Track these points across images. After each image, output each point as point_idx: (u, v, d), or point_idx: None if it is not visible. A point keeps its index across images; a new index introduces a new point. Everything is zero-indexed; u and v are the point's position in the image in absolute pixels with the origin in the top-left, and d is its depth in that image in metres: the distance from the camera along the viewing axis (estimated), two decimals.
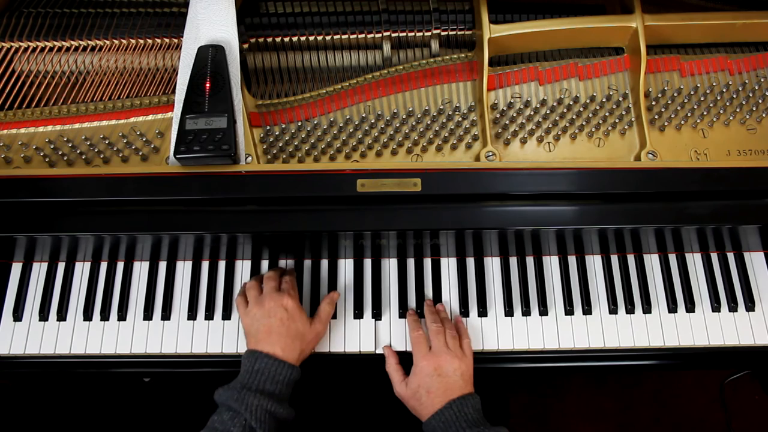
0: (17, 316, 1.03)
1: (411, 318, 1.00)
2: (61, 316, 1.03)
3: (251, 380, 0.86)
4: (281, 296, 0.92)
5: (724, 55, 1.08)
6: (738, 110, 1.04)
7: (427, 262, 1.07)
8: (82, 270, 1.06)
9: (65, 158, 0.99)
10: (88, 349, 1.01)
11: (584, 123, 1.03)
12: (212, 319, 1.03)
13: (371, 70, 1.10)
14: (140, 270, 1.06)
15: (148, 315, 1.03)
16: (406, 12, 1.08)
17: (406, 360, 0.98)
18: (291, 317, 0.91)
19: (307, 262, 1.06)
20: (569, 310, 1.03)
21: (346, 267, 1.06)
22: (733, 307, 1.03)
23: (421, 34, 1.08)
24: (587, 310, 1.02)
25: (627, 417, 1.70)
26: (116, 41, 1.06)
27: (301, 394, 0.97)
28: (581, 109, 1.04)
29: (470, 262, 1.06)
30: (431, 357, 0.92)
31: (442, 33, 1.08)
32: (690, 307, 1.03)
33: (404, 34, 1.07)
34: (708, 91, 1.05)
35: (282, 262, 1.07)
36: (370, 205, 0.95)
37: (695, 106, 1.04)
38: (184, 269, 1.06)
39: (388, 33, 1.07)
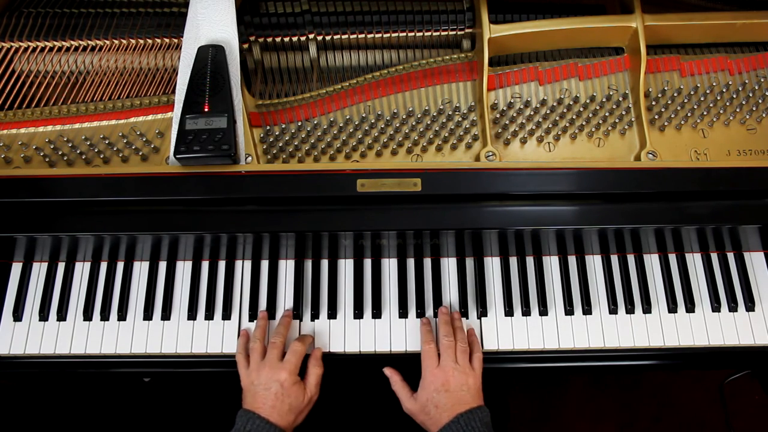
0: (17, 316, 1.03)
1: (425, 328, 0.99)
2: (61, 316, 1.03)
3: None
4: (280, 370, 0.92)
5: (724, 55, 1.08)
6: (738, 110, 1.04)
7: (427, 262, 1.07)
8: (82, 270, 1.06)
9: (65, 158, 0.99)
10: (88, 349, 1.01)
11: (584, 123, 1.03)
12: (212, 319, 1.03)
13: (371, 70, 1.10)
14: (140, 270, 1.06)
15: (148, 315, 1.03)
16: (406, 12, 1.07)
17: (407, 366, 0.98)
18: (286, 393, 0.91)
19: (308, 262, 1.06)
20: (569, 310, 1.03)
21: (346, 267, 1.06)
22: (733, 307, 1.03)
23: (421, 34, 1.08)
24: (587, 310, 1.02)
25: (627, 417, 1.71)
26: (116, 41, 1.06)
27: None
28: (581, 109, 1.04)
29: (470, 262, 1.06)
30: (439, 372, 0.91)
31: (443, 33, 1.08)
32: (690, 307, 1.03)
33: (404, 34, 1.07)
34: (708, 91, 1.05)
35: (282, 263, 1.06)
36: (370, 205, 0.95)
37: (695, 106, 1.04)
38: (184, 269, 1.06)
39: (388, 33, 1.07)
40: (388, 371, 0.98)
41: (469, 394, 0.90)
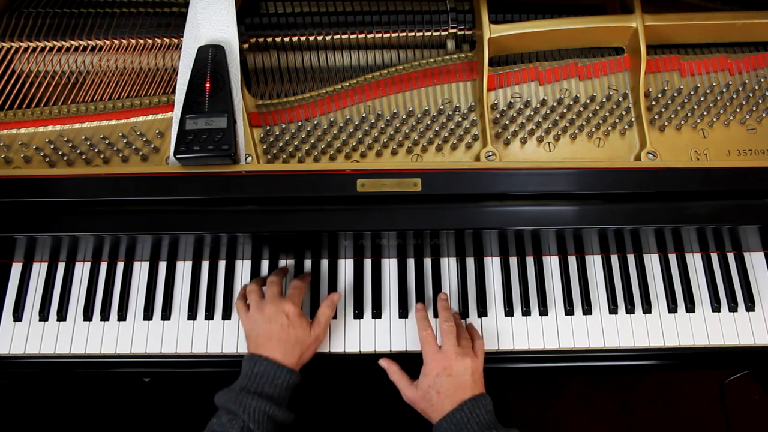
0: (17, 316, 1.03)
1: (420, 314, 0.98)
2: (61, 316, 1.03)
3: (250, 383, 0.86)
4: (283, 302, 0.92)
5: (724, 55, 1.08)
6: (738, 110, 1.04)
7: (427, 262, 1.07)
8: (82, 270, 1.06)
9: (65, 158, 0.99)
10: (88, 349, 1.01)
11: (584, 123, 1.03)
12: (212, 319, 1.03)
13: (371, 70, 1.10)
14: (140, 270, 1.06)
15: (148, 315, 1.03)
16: (406, 12, 1.08)
17: (408, 366, 0.97)
18: (291, 323, 0.91)
19: (307, 262, 1.06)
20: (569, 310, 1.03)
21: (346, 267, 1.06)
22: (733, 307, 1.03)
23: (421, 34, 1.08)
24: (587, 310, 1.02)
25: (627, 417, 1.71)
26: (116, 41, 1.06)
27: (301, 395, 0.97)
28: (581, 109, 1.04)
29: (470, 262, 1.06)
30: (441, 357, 0.90)
31: (442, 33, 1.08)
32: (690, 307, 1.03)
33: (404, 34, 1.07)
34: (708, 91, 1.05)
35: (282, 263, 1.07)
36: (370, 205, 0.95)
37: (695, 106, 1.04)
38: (184, 269, 1.06)
39: (388, 33, 1.07)
40: (384, 362, 0.97)
41: (472, 379, 0.89)
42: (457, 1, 1.09)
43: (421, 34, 1.08)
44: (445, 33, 1.08)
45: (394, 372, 0.96)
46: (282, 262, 1.07)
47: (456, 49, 1.09)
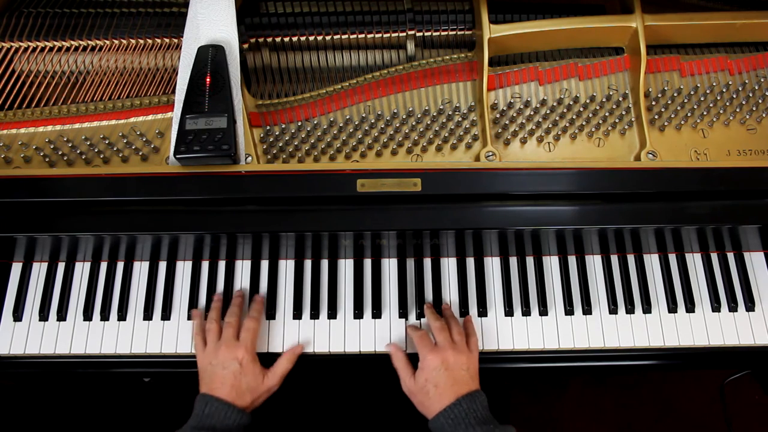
0: (17, 316, 1.03)
1: (410, 327, 1.00)
2: (61, 316, 1.03)
3: (201, 422, 0.86)
4: (237, 348, 0.92)
5: (724, 55, 1.08)
6: (738, 110, 1.04)
7: (427, 262, 1.07)
8: (82, 270, 1.06)
9: (65, 158, 0.99)
10: (88, 349, 1.01)
11: (584, 123, 1.03)
12: None
13: (371, 70, 1.10)
14: (140, 270, 1.06)
15: (148, 315, 1.03)
16: (406, 11, 1.07)
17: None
18: (243, 371, 0.91)
19: (308, 262, 1.06)
20: (569, 310, 1.03)
21: (346, 267, 1.06)
22: (733, 307, 1.03)
23: (421, 34, 1.08)
24: (587, 310, 1.02)
25: (627, 417, 1.71)
26: (116, 41, 1.06)
27: (301, 393, 0.97)
28: (581, 109, 1.04)
29: (470, 262, 1.06)
30: (437, 351, 0.91)
31: (442, 33, 1.08)
32: (690, 307, 1.03)
33: (404, 34, 1.07)
34: (708, 91, 1.05)
35: (282, 262, 1.06)
36: (370, 205, 0.95)
37: (695, 106, 1.04)
38: (184, 269, 1.06)
39: (388, 34, 1.07)
40: (391, 347, 0.97)
41: (468, 375, 0.90)
42: (458, 1, 1.09)
43: (421, 34, 1.07)
44: (446, 33, 1.08)
45: (400, 359, 0.95)
46: (282, 263, 1.06)
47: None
